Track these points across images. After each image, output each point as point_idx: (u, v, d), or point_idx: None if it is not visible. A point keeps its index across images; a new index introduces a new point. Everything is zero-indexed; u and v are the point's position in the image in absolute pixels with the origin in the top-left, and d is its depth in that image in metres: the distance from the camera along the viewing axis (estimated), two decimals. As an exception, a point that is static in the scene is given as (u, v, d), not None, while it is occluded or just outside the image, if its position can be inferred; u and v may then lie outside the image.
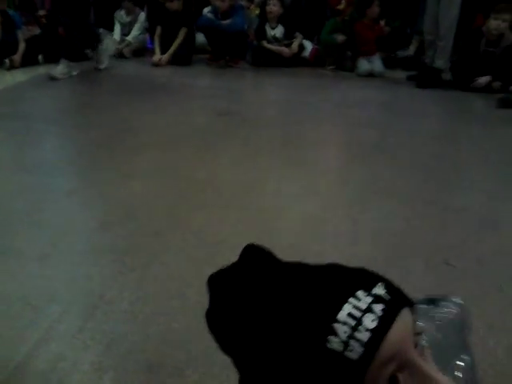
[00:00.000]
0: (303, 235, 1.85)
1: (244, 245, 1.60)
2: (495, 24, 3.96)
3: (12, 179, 2.21)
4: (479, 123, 3.38)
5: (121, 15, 4.93)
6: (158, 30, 4.70)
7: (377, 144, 2.86)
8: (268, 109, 3.51)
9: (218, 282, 0.52)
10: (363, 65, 4.63)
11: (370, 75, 4.59)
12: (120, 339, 1.28)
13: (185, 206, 2.01)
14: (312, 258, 1.54)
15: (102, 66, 4.29)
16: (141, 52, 4.91)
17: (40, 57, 4.37)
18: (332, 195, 2.22)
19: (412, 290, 1.34)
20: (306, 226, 1.92)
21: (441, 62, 4.24)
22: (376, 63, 4.67)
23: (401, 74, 4.71)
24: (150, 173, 2.33)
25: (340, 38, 4.70)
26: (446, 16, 4.03)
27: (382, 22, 4.89)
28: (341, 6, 4.80)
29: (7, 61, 4.10)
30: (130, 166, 2.39)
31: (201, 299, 1.40)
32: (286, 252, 1.66)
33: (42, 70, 4.16)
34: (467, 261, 1.72)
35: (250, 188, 2.21)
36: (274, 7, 4.77)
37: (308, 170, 2.45)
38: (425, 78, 4.29)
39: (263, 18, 4.95)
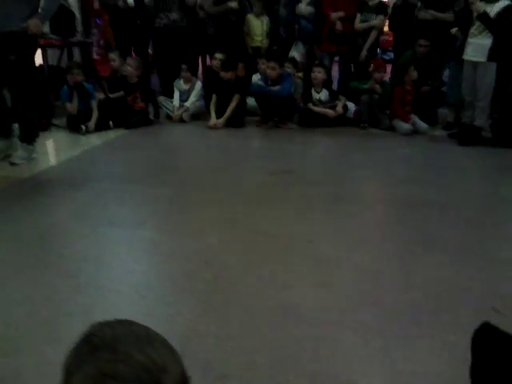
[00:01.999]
0: (360, 283, 2.08)
1: (309, 292, 1.86)
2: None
3: (101, 232, 2.56)
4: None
5: (180, 83, 5.46)
6: (214, 97, 5.18)
7: (423, 199, 3.08)
8: (317, 167, 3.82)
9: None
10: (403, 125, 4.91)
11: (412, 133, 4.86)
12: (212, 366, 1.53)
13: (253, 257, 2.29)
14: (369, 306, 1.78)
15: (17, 161, 3.64)
16: (198, 116, 5.38)
17: (110, 122, 4.89)
18: (383, 247, 2.44)
19: (462, 334, 1.56)
20: (362, 275, 2.15)
21: (481, 121, 4.48)
22: (417, 123, 4.94)
23: (441, 132, 4.96)
24: (218, 226, 2.64)
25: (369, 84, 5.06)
26: (483, 80, 4.31)
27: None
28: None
29: (83, 127, 4.63)
30: (201, 220, 2.71)
31: (278, 335, 1.64)
32: (347, 299, 1.91)
33: (112, 135, 4.66)
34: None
35: (309, 239, 2.47)
36: (318, 74, 5.20)
37: (359, 224, 2.70)
38: (466, 135, 4.52)
39: (308, 83, 5.38)
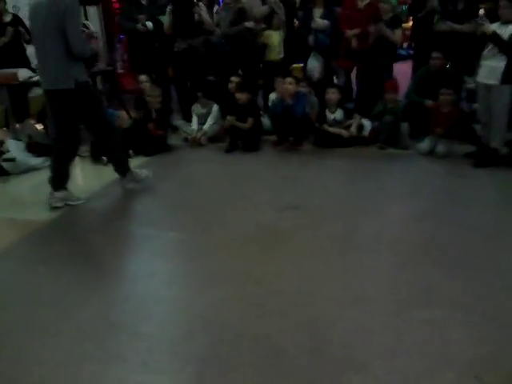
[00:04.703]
0: (353, 345, 2.17)
1: (301, 359, 1.92)
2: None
3: (114, 286, 2.74)
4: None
5: (197, 108, 5.61)
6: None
7: (428, 241, 3.11)
8: (327, 201, 3.84)
9: None
10: (424, 145, 4.88)
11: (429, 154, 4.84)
12: None
13: (253, 316, 2.40)
14: (357, 371, 1.87)
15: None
16: (215, 139, 5.52)
17: (131, 151, 5.07)
18: (380, 302, 2.50)
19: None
20: (355, 335, 2.24)
21: (496, 142, 4.43)
22: (441, 145, 4.85)
23: (459, 148, 4.87)
24: (222, 278, 2.75)
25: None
26: (497, 103, 4.25)
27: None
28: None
29: (105, 158, 4.84)
30: (207, 271, 2.84)
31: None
32: (337, 363, 1.98)
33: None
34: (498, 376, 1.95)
35: (309, 294, 2.56)
36: (332, 95, 5.25)
37: (361, 274, 2.76)
38: (482, 157, 4.48)
39: (323, 103, 5.42)
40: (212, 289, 2.65)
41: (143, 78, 5.70)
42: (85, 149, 5.09)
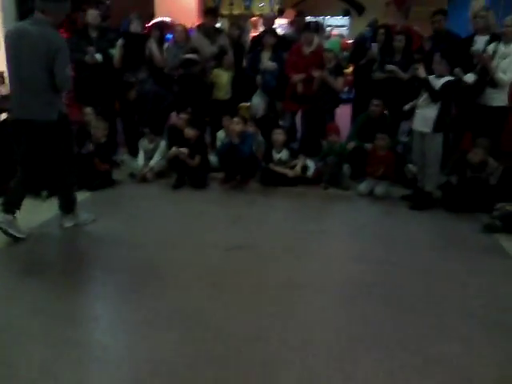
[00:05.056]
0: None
1: None
2: (477, 157, 4.52)
3: (55, 334, 2.61)
4: (465, 254, 3.73)
5: (144, 143, 5.57)
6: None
7: (369, 282, 3.23)
8: (273, 241, 3.89)
9: None
10: (363, 186, 5.12)
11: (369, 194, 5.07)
12: None
13: (201, 361, 2.37)
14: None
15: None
16: (162, 174, 5.49)
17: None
18: (326, 344, 2.55)
19: None
20: (304, 380, 2.27)
21: (430, 186, 4.72)
22: (379, 186, 5.10)
23: (397, 190, 5.13)
24: (170, 323, 2.71)
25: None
26: (430, 149, 4.56)
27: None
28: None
29: (45, 192, 4.66)
30: (154, 316, 2.78)
31: None
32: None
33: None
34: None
35: (257, 338, 2.57)
36: (278, 136, 5.41)
37: (307, 316, 2.82)
38: (418, 199, 4.75)
39: (269, 143, 5.57)
40: (159, 333, 2.60)
41: (88, 110, 5.61)
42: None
